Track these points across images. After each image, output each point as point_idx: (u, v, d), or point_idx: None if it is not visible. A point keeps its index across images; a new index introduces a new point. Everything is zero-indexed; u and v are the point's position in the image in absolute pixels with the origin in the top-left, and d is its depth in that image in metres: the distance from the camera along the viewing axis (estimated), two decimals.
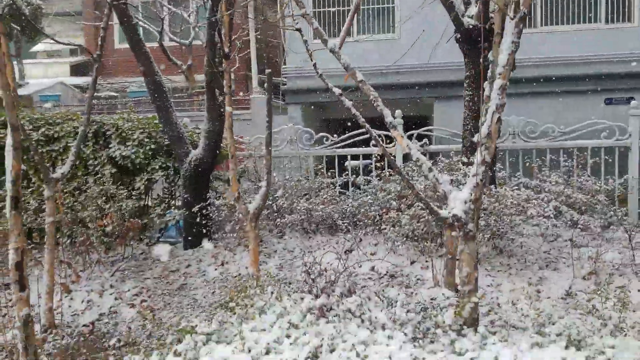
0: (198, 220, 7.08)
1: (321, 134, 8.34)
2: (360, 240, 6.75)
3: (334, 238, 7.32)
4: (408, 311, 3.24)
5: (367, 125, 4.87)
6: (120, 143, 7.31)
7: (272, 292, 3.47)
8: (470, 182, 3.40)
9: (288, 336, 3.01)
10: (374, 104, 3.89)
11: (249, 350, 2.82)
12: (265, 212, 7.27)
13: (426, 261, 6.06)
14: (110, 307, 5.48)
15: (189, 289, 6.03)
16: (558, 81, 11.34)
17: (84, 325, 5.15)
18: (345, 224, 6.70)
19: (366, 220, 6.79)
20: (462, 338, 3.04)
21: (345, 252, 6.55)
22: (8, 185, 3.65)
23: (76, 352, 4.62)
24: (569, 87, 11.37)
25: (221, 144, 7.40)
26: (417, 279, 5.64)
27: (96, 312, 5.37)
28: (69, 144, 7.30)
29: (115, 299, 5.64)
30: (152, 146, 7.37)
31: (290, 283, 5.80)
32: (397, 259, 6.16)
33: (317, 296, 3.37)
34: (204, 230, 7.23)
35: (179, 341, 3.06)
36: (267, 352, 2.84)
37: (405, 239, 6.31)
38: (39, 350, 3.87)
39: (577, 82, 11.33)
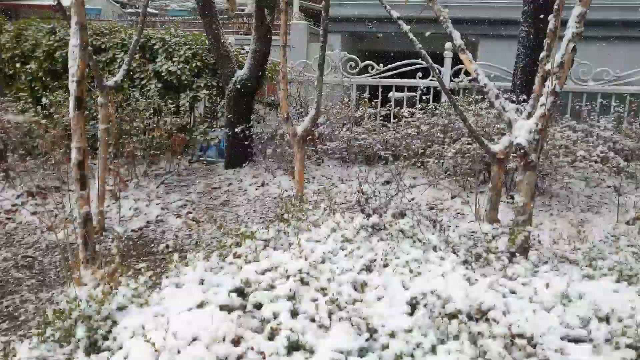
0: (240, 141, 7.14)
1: (366, 62, 8.19)
2: (399, 172, 6.77)
3: (372, 169, 7.33)
4: (460, 236, 3.28)
5: (424, 52, 4.77)
6: (167, 58, 7.31)
7: (324, 209, 3.54)
8: (537, 111, 3.33)
9: (342, 249, 3.09)
10: (443, 25, 3.77)
11: (306, 258, 2.90)
12: None
13: (467, 196, 6.07)
14: (157, 216, 5.66)
15: (231, 206, 6.18)
16: (613, 26, 10.81)
17: (132, 231, 5.35)
18: (387, 155, 6.67)
19: (408, 153, 6.76)
20: (514, 265, 3.09)
21: (384, 182, 6.60)
22: (72, 86, 3.70)
23: (127, 254, 4.83)
24: (623, 33, 10.84)
25: (266, 66, 7.35)
26: (457, 213, 5.67)
27: (143, 220, 5.56)
28: (116, 55, 7.34)
29: (162, 208, 5.82)
30: (198, 64, 7.35)
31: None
32: (437, 192, 6.18)
33: (369, 216, 3.42)
34: (246, 152, 7.31)
35: (238, 245, 3.16)
36: (323, 261, 2.92)
37: (446, 173, 6.31)
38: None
39: (633, 28, 10.78)
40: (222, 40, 7.05)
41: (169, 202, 6.04)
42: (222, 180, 7.02)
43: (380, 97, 8.02)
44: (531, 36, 6.86)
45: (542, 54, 3.83)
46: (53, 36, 7.45)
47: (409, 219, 3.35)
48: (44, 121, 6.21)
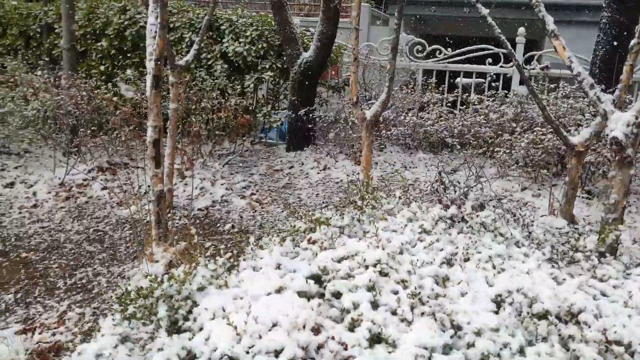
0: (303, 123, 7.10)
1: (434, 46, 7.95)
2: (466, 161, 6.56)
3: (436, 156, 7.17)
4: (545, 232, 3.11)
5: (503, 37, 4.56)
6: (234, 39, 7.30)
7: (399, 197, 3.44)
8: (636, 103, 3.11)
9: (420, 240, 2.99)
10: (535, 9, 3.56)
11: (383, 248, 2.82)
12: None
13: (538, 189, 5.83)
14: (222, 196, 5.70)
15: (293, 189, 6.16)
16: None
17: (199, 209, 5.41)
18: (454, 143, 6.48)
19: (478, 142, 6.52)
20: (604, 265, 2.91)
21: (450, 171, 6.42)
22: (150, 64, 3.73)
23: (190, 231, 4.87)
24: None
25: (332, 48, 7.24)
26: (529, 206, 5.44)
27: (209, 199, 5.61)
28: (183, 35, 7.40)
29: (226, 189, 5.85)
30: (264, 45, 7.31)
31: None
32: (506, 183, 5.95)
33: (447, 207, 3.30)
34: (308, 135, 7.26)
35: (312, 230, 3.11)
36: (401, 252, 2.84)
37: (517, 164, 6.06)
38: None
39: None
40: (289, 22, 6.99)
41: (233, 182, 6.08)
42: (283, 163, 7.02)
43: (447, 83, 7.79)
44: (615, 22, 6.46)
45: (633, 41, 3.58)
46: (123, 15, 7.57)
47: (489, 212, 3.21)
48: (115, 98, 6.34)
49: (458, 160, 6.66)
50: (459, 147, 6.39)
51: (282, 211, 5.49)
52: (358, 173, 6.38)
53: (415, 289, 2.48)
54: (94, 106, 6.46)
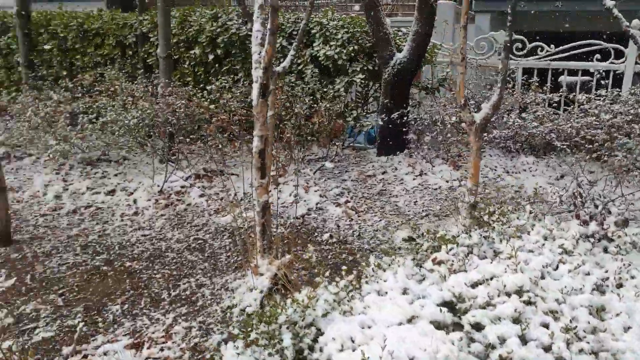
0: (396, 127, 6.83)
1: (535, 43, 7.44)
2: (572, 165, 6.04)
3: (540, 160, 6.69)
4: None
5: (633, 31, 4.12)
6: (324, 42, 7.15)
7: (530, 212, 3.12)
8: None
9: (562, 262, 2.67)
10: None
11: (522, 271, 2.52)
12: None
13: None
14: (317, 204, 5.55)
15: (388, 196, 5.92)
16: None
17: (294, 218, 5.28)
18: (564, 146, 5.99)
19: (590, 145, 5.98)
20: None
21: (558, 177, 5.96)
22: (256, 72, 3.62)
23: (292, 242, 4.76)
24: None
25: (427, 48, 6.93)
26: None
27: (304, 207, 5.48)
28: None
29: (320, 196, 5.70)
30: (355, 47, 7.10)
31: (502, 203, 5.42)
32: (625, 190, 5.41)
33: (585, 222, 2.94)
34: (401, 138, 6.99)
35: (435, 249, 2.86)
36: (542, 277, 2.53)
37: (637, 169, 5.49)
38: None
39: None
40: (382, 22, 6.75)
41: (327, 189, 5.92)
42: (375, 168, 6.79)
43: (549, 82, 7.26)
44: None
45: None
46: (215, 22, 7.61)
47: (637, 229, 2.83)
48: (212, 106, 6.36)
49: (565, 165, 6.16)
50: (568, 150, 5.89)
51: (380, 220, 5.27)
52: (456, 179, 6.06)
53: (571, 321, 2.18)
54: (190, 113, 6.51)
